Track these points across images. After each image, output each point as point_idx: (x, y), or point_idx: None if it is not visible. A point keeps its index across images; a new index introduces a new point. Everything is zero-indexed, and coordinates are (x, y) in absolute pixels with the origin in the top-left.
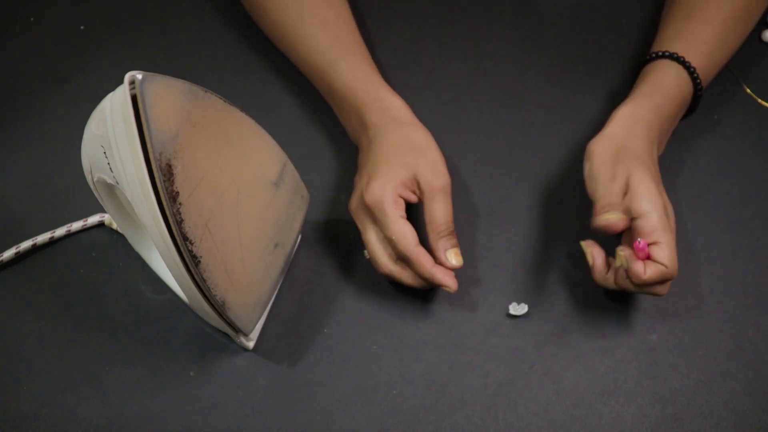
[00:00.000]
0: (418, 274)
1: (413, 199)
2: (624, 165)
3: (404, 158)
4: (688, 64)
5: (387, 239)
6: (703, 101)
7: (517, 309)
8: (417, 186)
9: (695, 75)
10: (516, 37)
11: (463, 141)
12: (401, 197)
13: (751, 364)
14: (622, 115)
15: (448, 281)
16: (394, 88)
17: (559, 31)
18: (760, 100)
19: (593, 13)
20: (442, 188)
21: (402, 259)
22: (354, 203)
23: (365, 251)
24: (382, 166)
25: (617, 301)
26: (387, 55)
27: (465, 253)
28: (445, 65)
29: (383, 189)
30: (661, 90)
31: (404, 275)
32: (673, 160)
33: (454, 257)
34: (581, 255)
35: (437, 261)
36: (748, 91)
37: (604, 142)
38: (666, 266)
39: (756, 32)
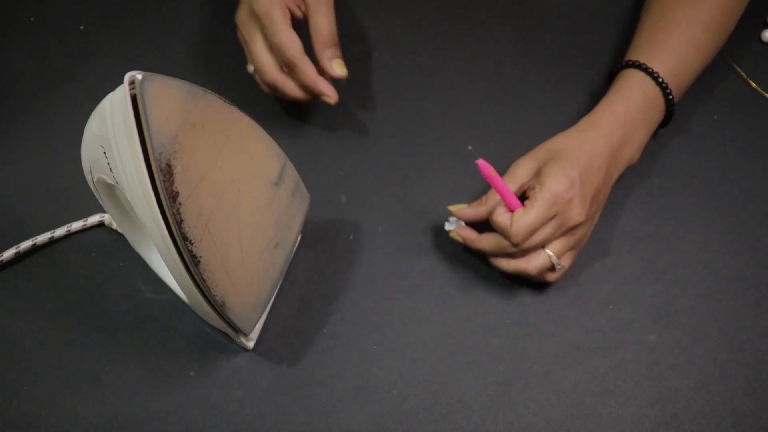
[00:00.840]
0: (302, 83)
1: (298, 13)
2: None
3: None
4: (651, 70)
5: (274, 47)
6: (703, 101)
7: (452, 225)
8: (302, 0)
9: (660, 80)
10: (516, 37)
11: (463, 141)
12: (288, 9)
13: (751, 364)
14: (579, 124)
15: (329, 91)
16: (395, 88)
17: (559, 31)
18: (767, 95)
19: (593, 13)
20: (325, 1)
21: (288, 67)
22: (241, 13)
23: (248, 65)
24: None
25: (617, 302)
26: (387, 55)
27: (465, 253)
28: (445, 65)
29: None
30: (622, 97)
31: (288, 85)
32: (673, 160)
33: (337, 67)
34: (582, 255)
35: (323, 71)
36: (754, 85)
37: (527, 162)
38: (510, 225)
39: (756, 32)
